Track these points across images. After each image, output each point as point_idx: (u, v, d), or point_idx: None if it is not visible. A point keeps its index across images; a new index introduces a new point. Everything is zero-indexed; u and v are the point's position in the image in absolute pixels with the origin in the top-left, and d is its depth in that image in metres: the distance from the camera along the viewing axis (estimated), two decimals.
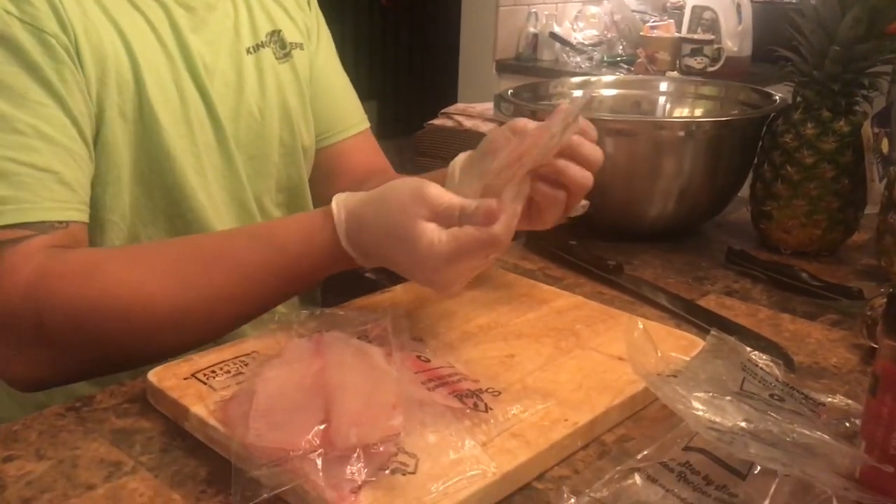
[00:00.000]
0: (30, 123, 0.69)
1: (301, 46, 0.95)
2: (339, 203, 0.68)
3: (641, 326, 0.61)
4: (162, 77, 0.79)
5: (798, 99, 0.98)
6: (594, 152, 0.70)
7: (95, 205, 0.76)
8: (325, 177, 1.01)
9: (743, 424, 0.52)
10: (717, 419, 0.52)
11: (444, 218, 0.61)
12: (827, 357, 0.76)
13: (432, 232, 0.61)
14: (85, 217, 0.73)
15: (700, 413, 0.53)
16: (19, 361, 0.68)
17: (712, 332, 0.68)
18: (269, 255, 0.70)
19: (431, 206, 0.61)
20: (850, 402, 0.64)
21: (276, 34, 0.92)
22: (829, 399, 0.65)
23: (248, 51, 0.89)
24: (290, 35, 0.94)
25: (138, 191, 0.79)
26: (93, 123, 0.74)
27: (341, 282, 1.17)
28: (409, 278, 0.68)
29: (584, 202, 0.72)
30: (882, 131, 0.96)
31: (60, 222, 0.70)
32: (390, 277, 0.91)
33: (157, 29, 0.79)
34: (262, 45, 0.90)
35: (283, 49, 0.93)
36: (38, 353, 0.68)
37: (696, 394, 0.53)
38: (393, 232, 0.63)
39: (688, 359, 0.60)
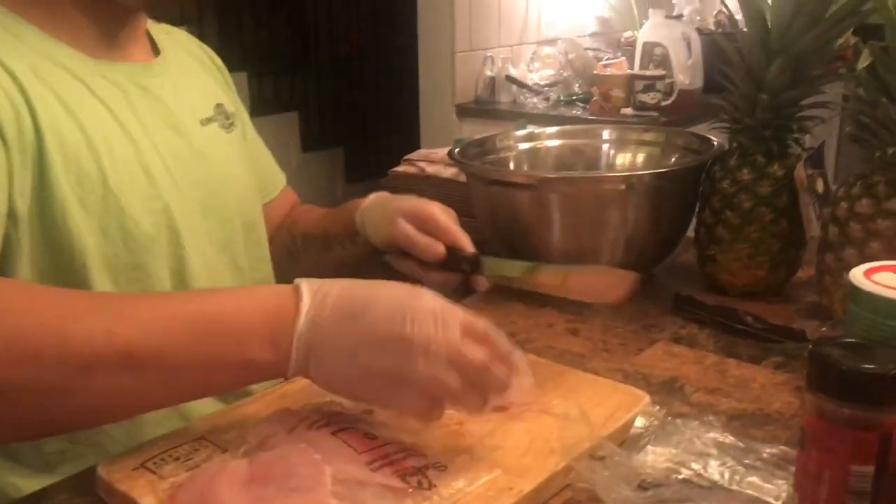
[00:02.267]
0: None
1: (236, 116, 1.00)
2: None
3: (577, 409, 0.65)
4: (127, 162, 0.80)
5: (733, 145, 1.01)
6: None
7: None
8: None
9: None
10: None
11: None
12: (771, 402, 0.78)
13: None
14: None
15: None
16: None
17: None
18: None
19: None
20: (787, 449, 0.66)
21: (220, 107, 0.96)
22: (769, 450, 0.66)
23: (201, 123, 0.92)
24: (228, 106, 0.98)
25: (106, 275, 0.78)
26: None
27: None
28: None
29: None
30: (815, 172, 0.99)
31: None
32: None
33: (117, 116, 0.81)
34: (212, 118, 0.94)
35: (228, 119, 0.97)
36: None
37: (614, 495, 0.55)
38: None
39: (619, 448, 0.61)
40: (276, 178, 1.13)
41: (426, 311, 0.60)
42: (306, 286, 0.63)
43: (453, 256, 0.92)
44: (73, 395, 0.59)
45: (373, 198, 0.99)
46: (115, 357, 0.59)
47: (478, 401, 0.63)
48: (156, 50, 0.92)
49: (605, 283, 0.90)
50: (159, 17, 0.98)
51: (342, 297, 0.63)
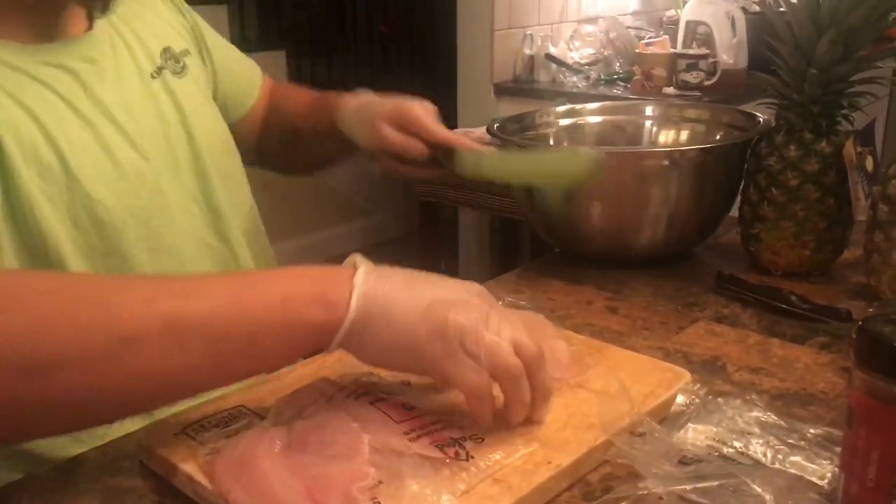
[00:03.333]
0: None
1: (188, 52, 0.95)
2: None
3: (618, 385, 0.63)
4: (88, 149, 0.78)
5: (780, 121, 0.99)
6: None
7: None
8: (247, 133, 1.08)
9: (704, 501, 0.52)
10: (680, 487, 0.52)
11: None
12: (815, 382, 0.76)
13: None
14: None
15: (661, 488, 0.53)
16: None
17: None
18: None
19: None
20: (832, 430, 0.64)
21: (167, 51, 0.92)
22: (813, 430, 0.65)
23: (152, 76, 0.89)
24: (177, 44, 0.94)
25: (83, 263, 0.78)
26: None
27: None
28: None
29: None
30: (865, 150, 0.96)
31: None
32: None
33: (68, 99, 0.79)
34: (162, 67, 0.90)
35: (178, 63, 0.93)
36: None
37: (654, 470, 0.54)
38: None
39: (659, 425, 0.60)
40: (253, 79, 1.10)
41: (485, 300, 0.64)
42: (362, 262, 0.63)
43: (433, 152, 0.95)
44: (119, 369, 0.56)
45: (355, 102, 1.00)
46: (157, 324, 0.56)
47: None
48: (89, 15, 0.85)
49: (574, 163, 0.91)
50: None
51: (402, 274, 0.64)
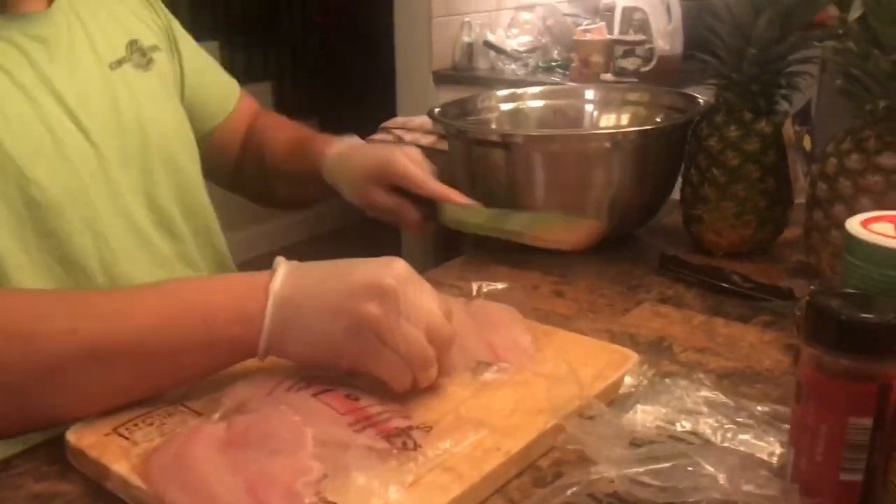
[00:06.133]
0: None
1: (157, 48, 0.93)
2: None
3: (566, 368, 0.63)
4: (27, 125, 0.76)
5: (720, 102, 0.99)
6: None
7: None
8: (219, 151, 1.05)
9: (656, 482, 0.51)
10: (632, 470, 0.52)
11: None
12: (760, 360, 0.77)
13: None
14: None
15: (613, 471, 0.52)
16: None
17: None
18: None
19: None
20: (779, 407, 0.64)
21: (134, 44, 0.90)
22: (761, 407, 0.65)
23: (111, 67, 0.86)
24: (147, 39, 0.92)
25: (13, 243, 0.75)
26: None
27: None
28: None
29: None
30: (803, 129, 0.97)
31: None
32: None
33: (10, 71, 0.76)
34: (124, 59, 0.88)
35: (144, 57, 0.91)
36: None
37: (605, 453, 0.53)
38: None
39: (608, 408, 0.60)
40: (229, 92, 1.07)
41: (400, 281, 0.62)
42: (284, 264, 0.65)
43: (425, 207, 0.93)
44: (43, 395, 0.60)
45: (337, 151, 0.96)
46: (80, 354, 0.60)
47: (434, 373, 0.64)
48: None
49: (568, 229, 0.90)
50: None
51: (320, 270, 0.64)
